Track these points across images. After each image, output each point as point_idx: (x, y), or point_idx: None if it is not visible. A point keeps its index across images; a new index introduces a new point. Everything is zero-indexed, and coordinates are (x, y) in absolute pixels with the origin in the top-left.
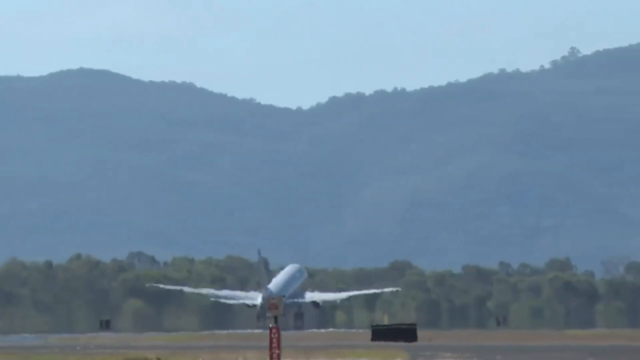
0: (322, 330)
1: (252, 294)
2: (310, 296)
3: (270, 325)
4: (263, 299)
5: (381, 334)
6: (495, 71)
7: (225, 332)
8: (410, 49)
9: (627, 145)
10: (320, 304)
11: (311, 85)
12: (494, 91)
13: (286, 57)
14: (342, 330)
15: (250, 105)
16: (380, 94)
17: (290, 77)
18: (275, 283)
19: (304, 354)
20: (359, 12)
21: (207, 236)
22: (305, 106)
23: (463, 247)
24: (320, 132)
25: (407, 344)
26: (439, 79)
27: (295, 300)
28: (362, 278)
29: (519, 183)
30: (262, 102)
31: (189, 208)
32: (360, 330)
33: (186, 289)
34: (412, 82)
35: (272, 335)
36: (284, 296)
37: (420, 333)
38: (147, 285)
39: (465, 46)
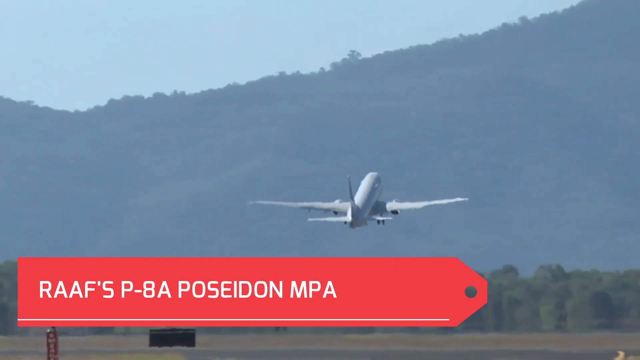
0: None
1: (338, 204)
2: (390, 206)
3: (48, 331)
4: (352, 215)
5: (159, 339)
6: (275, 74)
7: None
8: (188, 51)
9: (408, 147)
10: (399, 212)
11: (89, 87)
12: (273, 94)
13: (64, 59)
14: (120, 335)
15: (27, 108)
16: (159, 97)
17: (68, 79)
18: (359, 198)
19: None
20: (136, 13)
21: None
22: (83, 108)
23: (245, 251)
24: (99, 135)
25: (185, 348)
26: (218, 82)
27: (377, 215)
28: None
29: (299, 186)
30: (40, 105)
31: None
32: (139, 336)
33: (283, 203)
34: (191, 85)
35: (50, 340)
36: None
37: (199, 338)
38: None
39: (244, 48)
